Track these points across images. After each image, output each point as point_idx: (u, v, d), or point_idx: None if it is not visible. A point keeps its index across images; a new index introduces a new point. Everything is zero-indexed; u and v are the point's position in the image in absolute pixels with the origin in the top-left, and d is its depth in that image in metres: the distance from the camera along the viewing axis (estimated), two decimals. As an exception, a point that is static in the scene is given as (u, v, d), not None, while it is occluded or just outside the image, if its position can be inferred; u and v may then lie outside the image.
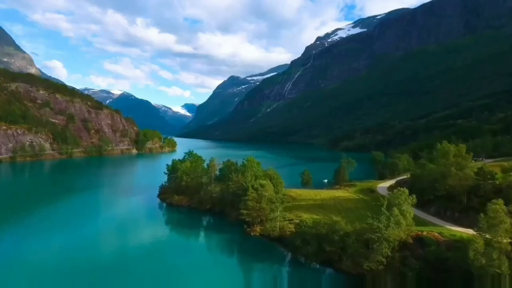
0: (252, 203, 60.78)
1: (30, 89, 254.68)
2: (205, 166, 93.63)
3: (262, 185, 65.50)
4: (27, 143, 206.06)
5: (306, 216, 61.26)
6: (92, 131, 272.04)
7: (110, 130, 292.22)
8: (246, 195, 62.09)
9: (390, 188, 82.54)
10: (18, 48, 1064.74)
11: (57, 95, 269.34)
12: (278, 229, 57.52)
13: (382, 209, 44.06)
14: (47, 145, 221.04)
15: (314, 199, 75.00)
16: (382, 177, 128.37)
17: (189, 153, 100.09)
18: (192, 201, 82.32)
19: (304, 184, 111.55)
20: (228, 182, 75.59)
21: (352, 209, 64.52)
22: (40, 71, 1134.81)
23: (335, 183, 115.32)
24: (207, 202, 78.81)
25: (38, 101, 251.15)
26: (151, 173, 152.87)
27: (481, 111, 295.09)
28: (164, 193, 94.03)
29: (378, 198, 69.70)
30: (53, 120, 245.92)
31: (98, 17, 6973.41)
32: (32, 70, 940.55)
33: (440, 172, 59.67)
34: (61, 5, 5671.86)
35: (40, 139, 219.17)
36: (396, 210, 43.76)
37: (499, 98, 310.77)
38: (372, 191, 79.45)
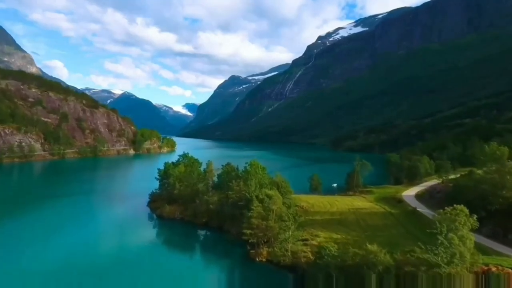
0: (257, 220, 48.72)
1: (22, 87, 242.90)
2: (202, 171, 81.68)
3: (269, 196, 53.61)
4: (16, 143, 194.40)
5: (324, 235, 49.50)
6: (87, 131, 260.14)
7: (106, 130, 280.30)
8: (250, 210, 50.01)
9: (418, 196, 70.87)
10: (18, 47, 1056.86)
11: (50, 93, 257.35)
12: (290, 253, 45.46)
13: (440, 238, 31.97)
14: (37, 146, 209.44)
15: (330, 211, 62.90)
16: (398, 182, 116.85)
17: (184, 156, 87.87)
18: (185, 213, 70.01)
19: (313, 190, 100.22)
20: (227, 191, 63.55)
21: (380, 227, 52.59)
22: (41, 70, 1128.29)
23: (347, 188, 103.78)
24: (203, 215, 66.40)
25: (30, 99, 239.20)
26: (146, 176, 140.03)
27: (489, 110, 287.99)
28: (154, 201, 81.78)
29: (411, 212, 57.97)
30: (45, 119, 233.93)
31: (98, 16, 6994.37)
32: (33, 70, 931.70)
33: (492, 181, 47.87)
34: (61, 4, 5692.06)
35: (30, 139, 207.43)
36: (455, 238, 31.89)
37: (506, 97, 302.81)
38: (399, 201, 67.15)
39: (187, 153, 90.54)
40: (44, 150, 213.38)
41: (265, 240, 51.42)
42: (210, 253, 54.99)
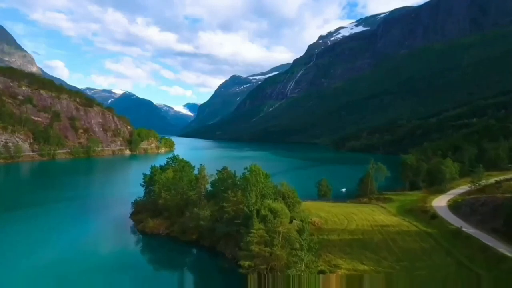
0: (259, 247, 36.96)
1: (11, 84, 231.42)
2: (195, 176, 69.50)
3: (273, 211, 42.01)
4: (1, 143, 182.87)
5: (346, 266, 37.68)
6: (80, 131, 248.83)
7: (101, 129, 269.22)
8: (250, 233, 38.17)
9: (453, 209, 58.72)
10: (19, 47, 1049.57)
11: (42, 91, 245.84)
12: (303, 293, 33.75)
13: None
14: (25, 146, 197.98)
15: (348, 229, 50.75)
16: (414, 187, 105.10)
17: (174, 158, 75.74)
18: (172, 228, 58.05)
19: (322, 196, 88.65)
20: (222, 203, 51.66)
21: (418, 254, 40.55)
22: (42, 70, 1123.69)
23: (360, 194, 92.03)
24: (193, 231, 54.52)
25: (19, 97, 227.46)
26: (137, 179, 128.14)
27: (497, 110, 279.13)
28: (138, 212, 69.60)
29: (454, 233, 45.87)
30: (35, 118, 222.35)
31: (98, 16, 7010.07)
32: (33, 69, 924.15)
33: None
34: (61, 4, 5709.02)
35: (17, 139, 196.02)
36: None
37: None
38: (433, 216, 54.76)
39: (177, 155, 78.53)
40: (33, 151, 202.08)
41: (269, 268, 39.64)
42: (199, 285, 42.87)
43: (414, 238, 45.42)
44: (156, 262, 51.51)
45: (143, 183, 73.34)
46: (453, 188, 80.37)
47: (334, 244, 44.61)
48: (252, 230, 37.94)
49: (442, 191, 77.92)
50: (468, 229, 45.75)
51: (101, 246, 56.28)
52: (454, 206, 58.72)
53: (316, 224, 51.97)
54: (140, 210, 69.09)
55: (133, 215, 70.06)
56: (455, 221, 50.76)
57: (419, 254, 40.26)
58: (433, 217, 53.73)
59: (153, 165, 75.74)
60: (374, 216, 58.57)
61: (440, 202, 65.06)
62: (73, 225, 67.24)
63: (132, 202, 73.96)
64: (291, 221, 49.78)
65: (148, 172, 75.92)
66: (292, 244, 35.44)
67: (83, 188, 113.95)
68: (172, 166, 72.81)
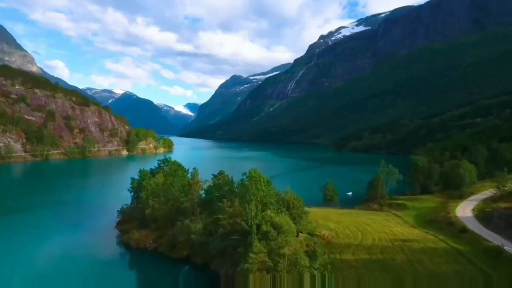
0: (259, 277, 29.97)
1: (4, 82, 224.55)
2: (188, 181, 62.28)
3: (276, 227, 35.06)
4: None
5: (366, 296, 30.76)
6: (76, 130, 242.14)
7: (97, 129, 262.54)
8: (248, 258, 31.10)
9: (481, 219, 51.45)
10: (19, 47, 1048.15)
11: (36, 90, 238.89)
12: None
13: None
14: (17, 146, 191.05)
15: (364, 245, 43.33)
16: (425, 191, 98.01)
17: (165, 161, 68.46)
18: (161, 241, 50.79)
19: (327, 201, 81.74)
20: (217, 215, 44.52)
21: (452, 279, 33.51)
22: (42, 70, 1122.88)
23: (369, 199, 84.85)
24: (183, 246, 47.10)
25: (12, 96, 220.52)
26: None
27: (501, 109, 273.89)
28: (125, 221, 62.32)
29: (492, 251, 38.64)
30: (29, 118, 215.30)
31: (98, 16, 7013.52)
32: (34, 69, 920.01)
33: None
34: (61, 3, 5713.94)
35: (9, 139, 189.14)
36: None
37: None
38: (462, 230, 47.10)
39: (169, 157, 71.34)
40: (25, 151, 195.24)
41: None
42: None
43: (444, 258, 38.14)
44: (139, 282, 44.38)
45: (130, 189, 66.05)
46: (473, 193, 72.93)
47: (349, 265, 37.40)
48: (251, 254, 30.89)
49: (461, 197, 70.62)
50: (508, 247, 38.63)
51: (75, 260, 48.27)
52: (482, 217, 51.35)
53: (325, 237, 44.71)
54: (127, 220, 61.69)
55: (118, 225, 62.69)
56: (488, 236, 43.55)
57: (453, 279, 33.06)
58: (462, 231, 46.27)
59: (142, 168, 68.51)
60: (391, 227, 51.28)
61: (463, 210, 57.53)
62: (51, 235, 59.98)
63: (118, 210, 66.48)
64: (297, 235, 42.90)
65: (130, 178, 69.07)
66: (297, 265, 28.39)
67: (71, 191, 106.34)
68: (163, 169, 65.59)
